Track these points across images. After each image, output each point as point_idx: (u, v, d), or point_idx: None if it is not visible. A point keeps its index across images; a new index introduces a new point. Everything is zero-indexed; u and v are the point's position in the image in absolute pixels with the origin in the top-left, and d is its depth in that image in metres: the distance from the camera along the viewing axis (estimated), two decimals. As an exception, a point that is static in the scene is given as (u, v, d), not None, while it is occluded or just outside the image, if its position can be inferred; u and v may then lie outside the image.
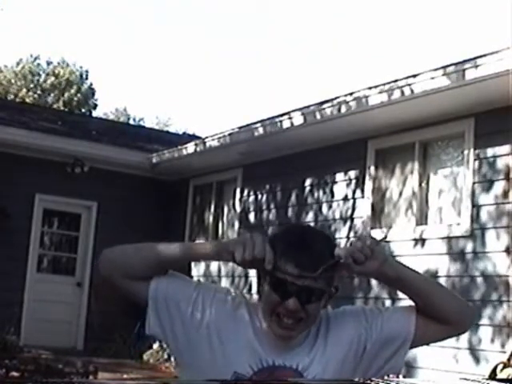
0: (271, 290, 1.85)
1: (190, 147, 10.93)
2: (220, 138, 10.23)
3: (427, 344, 2.09)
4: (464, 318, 2.03)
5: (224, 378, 1.87)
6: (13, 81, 33.16)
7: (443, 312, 1.94)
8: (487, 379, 4.54)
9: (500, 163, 6.89)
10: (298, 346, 1.93)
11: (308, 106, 8.84)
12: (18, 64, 33.87)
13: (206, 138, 10.93)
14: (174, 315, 1.93)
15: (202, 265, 11.05)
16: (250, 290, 9.99)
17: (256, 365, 1.89)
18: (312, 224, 9.06)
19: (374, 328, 1.95)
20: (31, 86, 33.23)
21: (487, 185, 6.98)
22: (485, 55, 6.61)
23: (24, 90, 32.48)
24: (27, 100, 30.74)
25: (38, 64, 34.30)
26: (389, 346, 1.95)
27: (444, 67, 6.95)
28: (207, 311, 1.93)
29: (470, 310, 2.11)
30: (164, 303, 1.93)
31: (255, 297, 1.99)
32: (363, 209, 8.31)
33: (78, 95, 33.48)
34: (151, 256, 1.95)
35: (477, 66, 6.60)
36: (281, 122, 9.02)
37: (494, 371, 5.89)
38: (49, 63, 34.32)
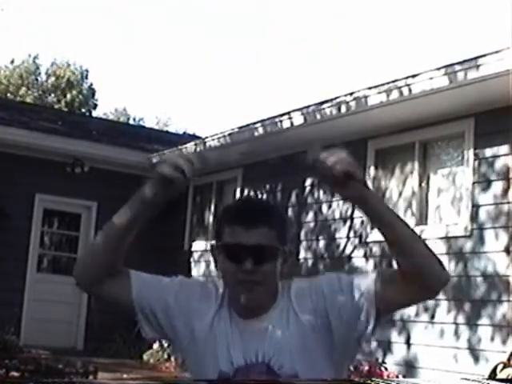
0: (226, 259, 1.89)
1: (190, 147, 10.93)
2: (220, 137, 10.23)
3: (397, 308, 2.01)
4: (435, 276, 1.88)
5: (212, 375, 1.92)
6: (12, 80, 33.15)
7: (413, 259, 1.85)
8: (487, 379, 4.54)
9: (499, 163, 6.90)
10: (268, 323, 1.93)
11: (308, 106, 8.84)
12: (16, 63, 33.87)
13: (206, 137, 10.93)
14: (162, 320, 2.01)
15: (202, 264, 11.06)
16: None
17: (236, 363, 1.91)
18: (312, 224, 9.07)
19: (336, 301, 1.90)
20: (31, 86, 33.22)
21: (487, 185, 6.98)
22: (485, 55, 6.61)
23: (24, 89, 32.48)
24: (27, 99, 30.74)
25: (37, 65, 34.29)
26: (354, 312, 1.89)
27: (444, 67, 6.95)
28: (188, 308, 1.99)
29: (445, 273, 1.92)
30: (150, 311, 2.04)
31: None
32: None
33: (80, 96, 33.49)
34: (109, 231, 2.09)
35: (477, 66, 6.60)
36: (281, 121, 9.03)
37: (494, 371, 5.89)
38: (52, 64, 34.31)
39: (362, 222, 8.24)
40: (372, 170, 8.27)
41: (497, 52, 6.51)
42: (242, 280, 1.88)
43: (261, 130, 9.37)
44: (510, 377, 5.71)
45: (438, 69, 6.99)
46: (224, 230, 1.92)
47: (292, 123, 8.84)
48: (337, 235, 8.59)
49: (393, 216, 1.86)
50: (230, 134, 10.08)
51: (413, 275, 1.84)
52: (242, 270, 1.86)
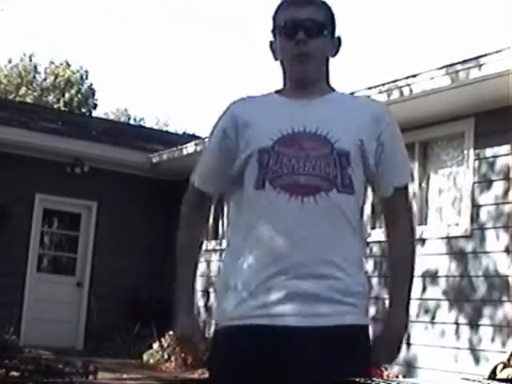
0: (282, 38, 2.08)
1: (190, 147, 10.93)
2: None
3: None
4: None
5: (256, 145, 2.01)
6: (12, 80, 33.16)
7: None
8: (487, 379, 4.54)
9: (500, 163, 6.89)
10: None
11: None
12: (14, 62, 33.92)
13: (206, 137, 10.91)
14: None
15: (202, 265, 11.06)
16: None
17: (276, 135, 1.98)
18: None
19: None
20: (30, 86, 33.24)
21: (487, 185, 6.98)
22: (485, 55, 6.61)
23: (24, 89, 32.49)
24: (27, 99, 30.76)
25: (35, 65, 34.30)
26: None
27: (444, 67, 6.95)
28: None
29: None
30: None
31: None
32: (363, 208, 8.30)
33: (79, 96, 33.50)
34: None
35: (477, 66, 6.60)
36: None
37: (494, 371, 5.89)
38: (51, 63, 34.34)
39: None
40: (372, 170, 8.26)
41: (497, 52, 6.50)
42: (296, 54, 2.04)
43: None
44: (510, 377, 5.70)
45: (439, 69, 6.99)
46: (279, 14, 2.11)
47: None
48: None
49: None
50: (230, 134, 10.07)
51: None
52: (296, 41, 2.03)
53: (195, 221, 2.20)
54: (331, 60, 2.14)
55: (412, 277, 2.07)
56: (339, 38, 2.15)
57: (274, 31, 2.13)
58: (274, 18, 2.13)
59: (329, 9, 2.14)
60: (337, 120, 1.99)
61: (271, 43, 2.16)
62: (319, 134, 1.96)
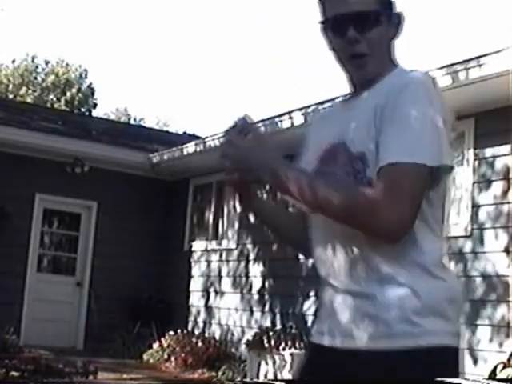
0: (332, 37, 1.83)
1: (190, 147, 10.94)
2: (220, 137, 10.23)
3: None
4: (374, 231, 1.63)
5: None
6: (12, 79, 33.16)
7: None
8: (487, 379, 4.54)
9: (499, 163, 6.89)
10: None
11: (308, 106, 8.84)
12: (16, 62, 33.90)
13: (206, 137, 10.93)
14: None
15: (202, 264, 11.06)
16: (250, 289, 9.99)
17: (318, 152, 1.87)
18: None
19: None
20: (31, 85, 33.24)
21: (487, 185, 6.98)
22: (485, 55, 6.61)
23: (24, 89, 32.49)
24: (27, 99, 30.76)
25: (36, 65, 34.30)
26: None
27: (444, 67, 6.95)
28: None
29: (384, 219, 1.60)
30: None
31: None
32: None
33: (79, 95, 33.50)
34: None
35: (477, 66, 6.60)
36: (281, 121, 9.03)
37: (493, 371, 5.89)
38: (47, 62, 34.35)
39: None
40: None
41: (497, 52, 6.50)
42: (350, 55, 1.80)
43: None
44: (510, 377, 5.70)
45: (439, 68, 6.98)
46: (324, 8, 1.85)
47: (292, 123, 8.84)
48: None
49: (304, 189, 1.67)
50: (230, 134, 10.06)
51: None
52: (348, 42, 1.78)
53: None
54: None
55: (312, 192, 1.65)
56: (399, 15, 1.86)
57: (321, 22, 1.86)
58: (320, 9, 1.87)
59: None
60: (360, 119, 1.75)
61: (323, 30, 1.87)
62: (343, 142, 1.76)
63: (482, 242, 6.91)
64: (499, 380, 4.51)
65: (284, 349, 8.16)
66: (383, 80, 1.79)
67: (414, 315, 1.60)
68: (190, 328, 10.77)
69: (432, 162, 1.61)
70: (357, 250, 1.68)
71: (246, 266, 10.11)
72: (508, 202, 6.74)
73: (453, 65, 6.89)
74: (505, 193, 6.79)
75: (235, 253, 10.39)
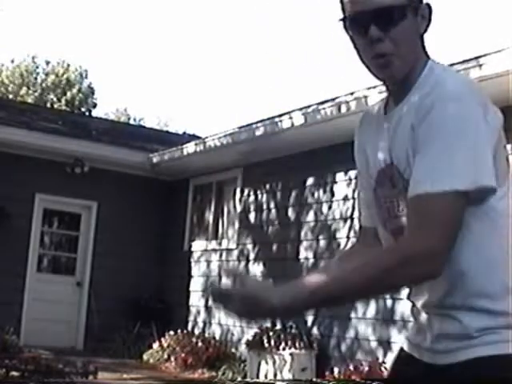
0: (355, 36, 1.69)
1: (190, 147, 10.93)
2: (220, 137, 10.24)
3: None
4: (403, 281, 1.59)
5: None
6: (13, 80, 33.17)
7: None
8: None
9: (500, 163, 6.89)
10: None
11: (308, 106, 8.84)
12: (16, 62, 33.90)
13: (206, 137, 10.93)
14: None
15: (202, 264, 11.05)
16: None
17: (375, 173, 1.77)
18: (312, 224, 9.07)
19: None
20: (31, 85, 33.24)
21: (487, 185, 6.97)
22: (485, 55, 6.61)
23: (24, 89, 32.50)
24: (27, 99, 30.76)
25: (37, 65, 34.31)
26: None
27: (444, 67, 6.94)
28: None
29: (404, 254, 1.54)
30: None
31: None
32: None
33: (79, 95, 33.51)
34: None
35: (477, 66, 6.59)
36: (281, 121, 9.03)
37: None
38: (47, 62, 34.37)
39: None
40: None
41: (497, 52, 6.50)
42: (373, 55, 1.66)
43: (261, 130, 9.37)
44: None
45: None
46: (343, 4, 1.70)
47: (292, 123, 8.84)
48: (337, 235, 8.59)
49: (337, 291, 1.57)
50: (230, 134, 10.08)
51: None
52: (371, 41, 1.64)
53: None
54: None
55: (349, 291, 1.57)
56: (428, 5, 1.71)
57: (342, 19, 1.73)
58: (340, 5, 1.73)
59: None
60: (401, 141, 1.67)
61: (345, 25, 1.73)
62: (395, 164, 1.67)
63: (482, 241, 6.90)
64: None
65: (284, 349, 8.16)
66: (415, 86, 1.68)
67: (491, 329, 1.59)
68: (189, 328, 10.77)
69: (465, 186, 1.52)
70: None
71: (246, 266, 10.11)
72: (508, 202, 6.73)
73: (453, 65, 6.89)
74: (505, 193, 6.78)
75: (235, 253, 10.39)
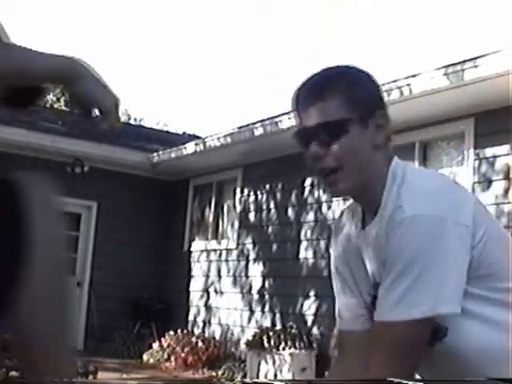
0: (302, 149, 1.70)
1: (190, 147, 10.94)
2: (220, 137, 10.24)
3: None
4: None
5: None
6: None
7: None
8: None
9: (500, 163, 6.90)
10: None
11: (308, 106, 8.82)
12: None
13: (206, 137, 10.93)
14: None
15: (202, 264, 11.06)
16: (250, 289, 9.99)
17: (366, 303, 1.76)
18: (312, 224, 9.07)
19: None
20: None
21: (487, 185, 6.98)
22: (485, 55, 6.61)
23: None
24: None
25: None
26: None
27: (444, 67, 6.95)
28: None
29: None
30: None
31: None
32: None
33: (79, 95, 33.52)
34: None
35: (477, 66, 6.60)
36: (281, 121, 9.03)
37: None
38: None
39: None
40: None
41: (496, 52, 6.50)
42: (319, 170, 1.65)
43: (261, 130, 9.37)
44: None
45: (439, 69, 6.99)
46: (296, 120, 1.71)
47: (292, 123, 8.83)
48: (337, 235, 8.58)
49: None
50: (230, 134, 10.08)
51: None
52: (312, 158, 1.65)
53: None
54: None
55: None
56: (383, 113, 1.67)
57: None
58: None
59: (354, 84, 1.66)
60: (377, 263, 1.67)
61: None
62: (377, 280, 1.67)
63: (482, 241, 6.90)
64: (499, 380, 4.49)
65: (284, 349, 8.16)
66: (384, 197, 1.63)
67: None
68: (189, 328, 10.77)
69: (423, 314, 1.52)
70: None
71: (246, 266, 10.11)
72: (508, 202, 6.74)
73: (453, 65, 6.89)
74: (505, 193, 6.79)
75: (235, 253, 10.39)
